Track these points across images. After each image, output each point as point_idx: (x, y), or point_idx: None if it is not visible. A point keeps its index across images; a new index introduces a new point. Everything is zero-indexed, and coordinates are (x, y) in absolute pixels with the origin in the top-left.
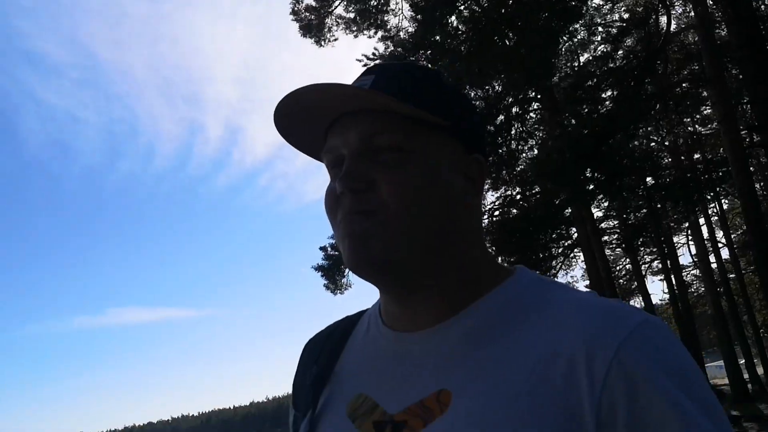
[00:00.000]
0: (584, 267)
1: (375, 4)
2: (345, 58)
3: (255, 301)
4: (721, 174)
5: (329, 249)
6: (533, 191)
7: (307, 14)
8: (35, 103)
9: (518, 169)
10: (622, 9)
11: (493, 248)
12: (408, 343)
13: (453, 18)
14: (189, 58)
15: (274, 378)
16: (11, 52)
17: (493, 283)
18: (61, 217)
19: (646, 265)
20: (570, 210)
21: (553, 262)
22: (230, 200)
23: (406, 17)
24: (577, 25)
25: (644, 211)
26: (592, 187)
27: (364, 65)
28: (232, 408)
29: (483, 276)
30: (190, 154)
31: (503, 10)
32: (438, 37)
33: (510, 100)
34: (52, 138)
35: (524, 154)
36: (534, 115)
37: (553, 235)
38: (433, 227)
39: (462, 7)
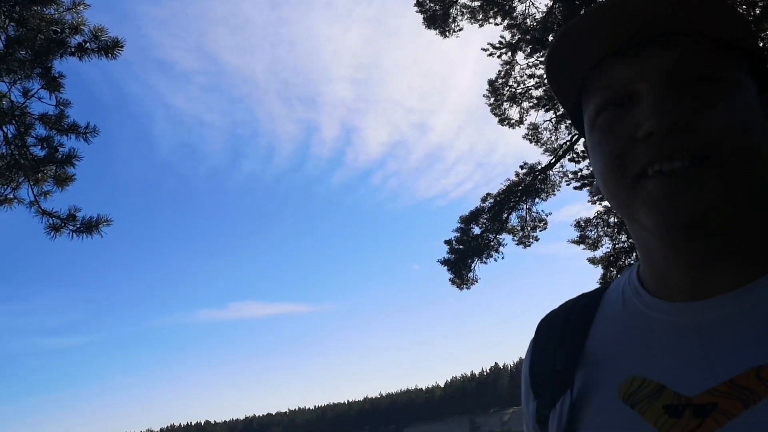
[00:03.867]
0: None
1: None
2: (460, 53)
3: (369, 298)
4: None
5: (454, 243)
6: None
7: (432, 5)
8: (166, 108)
9: None
10: None
11: (632, 242)
12: (695, 314)
13: None
14: (306, 60)
15: (387, 374)
16: (144, 61)
17: None
18: (188, 216)
19: None
20: None
21: None
22: (344, 198)
23: (533, 3)
24: None
25: None
26: None
27: (489, 54)
28: (346, 402)
29: None
30: (306, 154)
31: None
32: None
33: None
34: (181, 141)
35: None
36: None
37: None
38: (757, 177)
39: None
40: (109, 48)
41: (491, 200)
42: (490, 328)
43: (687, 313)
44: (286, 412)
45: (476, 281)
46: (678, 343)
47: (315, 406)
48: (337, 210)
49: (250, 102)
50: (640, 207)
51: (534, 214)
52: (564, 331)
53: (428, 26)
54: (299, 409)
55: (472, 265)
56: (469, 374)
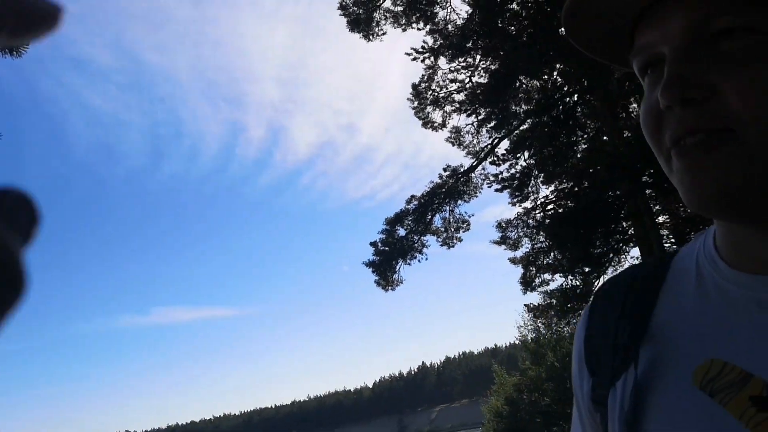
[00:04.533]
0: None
1: None
2: (387, 55)
3: (296, 300)
4: None
5: (379, 245)
6: (586, 185)
7: (355, 8)
8: (82, 107)
9: (571, 162)
10: None
11: (550, 242)
12: None
13: (514, 4)
14: (231, 59)
15: (314, 377)
16: (59, 58)
17: None
18: (107, 219)
19: None
20: (627, 203)
21: (605, 259)
22: (272, 200)
23: (454, 9)
24: None
25: None
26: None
27: (413, 59)
28: (273, 407)
29: None
30: (232, 155)
31: None
32: (499, 22)
33: (568, 89)
34: (99, 141)
35: (578, 146)
36: (584, 109)
37: (615, 227)
38: None
39: None
40: (13, 47)
41: (415, 202)
42: (417, 327)
43: None
44: (210, 419)
45: (401, 282)
46: (764, 324)
47: (241, 412)
48: (265, 211)
49: (173, 101)
50: (673, 181)
51: (457, 216)
52: (627, 300)
53: (352, 29)
54: (224, 415)
55: (397, 267)
56: (397, 374)
